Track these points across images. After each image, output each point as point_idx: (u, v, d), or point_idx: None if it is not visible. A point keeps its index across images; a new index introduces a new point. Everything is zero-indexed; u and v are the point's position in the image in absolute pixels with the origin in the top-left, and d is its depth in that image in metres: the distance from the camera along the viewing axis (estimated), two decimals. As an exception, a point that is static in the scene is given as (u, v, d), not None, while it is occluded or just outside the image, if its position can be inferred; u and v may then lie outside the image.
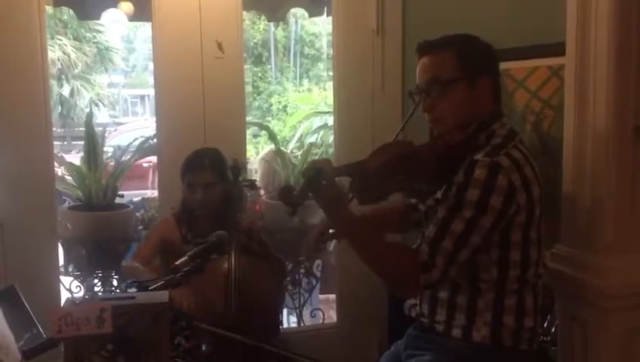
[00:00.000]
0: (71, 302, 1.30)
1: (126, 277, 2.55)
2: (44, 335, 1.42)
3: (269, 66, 12.48)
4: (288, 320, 3.65)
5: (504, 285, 1.61)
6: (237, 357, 2.13)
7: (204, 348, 2.21)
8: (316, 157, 4.78)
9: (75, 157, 4.11)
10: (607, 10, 1.72)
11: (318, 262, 3.47)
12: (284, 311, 3.44)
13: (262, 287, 2.33)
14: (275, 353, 2.10)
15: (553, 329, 2.04)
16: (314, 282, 3.41)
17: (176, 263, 1.60)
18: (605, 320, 1.72)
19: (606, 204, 1.75)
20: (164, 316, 1.26)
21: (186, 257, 1.63)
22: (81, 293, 2.99)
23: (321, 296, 4.05)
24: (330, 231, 1.83)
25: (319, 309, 3.44)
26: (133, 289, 1.55)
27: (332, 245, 3.09)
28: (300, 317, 3.38)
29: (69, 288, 3.03)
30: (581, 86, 1.81)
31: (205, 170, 2.43)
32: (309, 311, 3.43)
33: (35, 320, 1.51)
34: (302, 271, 3.36)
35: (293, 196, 1.62)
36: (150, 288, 1.47)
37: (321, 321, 3.38)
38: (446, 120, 1.68)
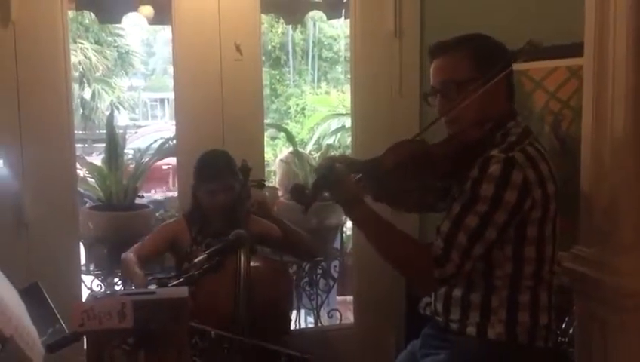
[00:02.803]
0: (93, 296, 1.32)
1: (122, 270, 2.55)
2: (67, 331, 1.45)
3: (287, 69, 12.53)
4: (306, 321, 3.66)
5: (519, 282, 1.61)
6: (248, 357, 2.14)
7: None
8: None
9: (96, 160, 4.17)
10: (626, 11, 1.71)
11: (335, 263, 3.49)
12: (302, 311, 3.47)
13: (271, 287, 2.35)
14: (284, 352, 2.11)
15: (572, 331, 2.03)
16: (331, 283, 3.43)
17: (195, 261, 1.63)
18: (624, 319, 1.71)
19: (624, 204, 1.74)
20: (183, 311, 1.29)
21: (204, 255, 1.65)
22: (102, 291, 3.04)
23: (339, 298, 4.06)
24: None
25: (336, 309, 3.45)
26: (154, 286, 1.57)
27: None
28: (317, 318, 3.40)
29: (90, 287, 3.08)
30: (599, 86, 1.80)
31: (225, 175, 2.46)
32: (326, 312, 3.45)
33: (58, 316, 1.54)
34: (319, 272, 3.37)
35: (304, 195, 1.64)
36: (170, 284, 1.50)
37: (338, 322, 3.39)
38: (462, 120, 1.68)
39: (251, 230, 2.41)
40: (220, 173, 2.47)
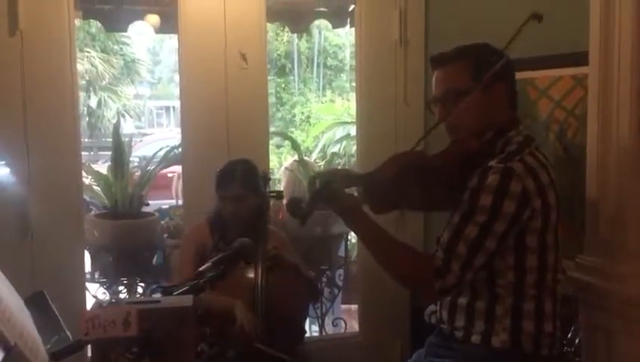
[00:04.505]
0: (98, 304, 1.33)
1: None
2: (72, 339, 1.45)
3: (292, 77, 12.55)
4: (310, 329, 3.66)
5: (522, 290, 1.61)
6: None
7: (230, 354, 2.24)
8: (339, 167, 4.81)
9: (102, 167, 4.19)
10: (631, 20, 1.72)
11: (340, 271, 3.48)
12: (307, 320, 3.46)
13: (288, 296, 2.33)
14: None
15: (577, 340, 2.02)
16: (336, 291, 3.42)
17: (200, 269, 1.62)
18: (630, 328, 1.71)
19: (630, 213, 1.74)
20: (188, 320, 1.29)
21: (209, 263, 1.65)
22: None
23: (344, 306, 4.06)
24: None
25: (341, 318, 3.44)
26: (158, 295, 1.57)
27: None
28: (322, 327, 3.39)
29: (95, 295, 3.08)
30: (605, 95, 1.80)
31: (236, 184, 2.43)
32: (331, 321, 3.44)
33: (63, 324, 1.54)
34: (324, 280, 3.37)
35: (300, 208, 1.64)
36: (175, 293, 1.49)
37: (343, 330, 3.38)
38: (462, 128, 1.68)
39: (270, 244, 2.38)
40: (231, 181, 2.44)
